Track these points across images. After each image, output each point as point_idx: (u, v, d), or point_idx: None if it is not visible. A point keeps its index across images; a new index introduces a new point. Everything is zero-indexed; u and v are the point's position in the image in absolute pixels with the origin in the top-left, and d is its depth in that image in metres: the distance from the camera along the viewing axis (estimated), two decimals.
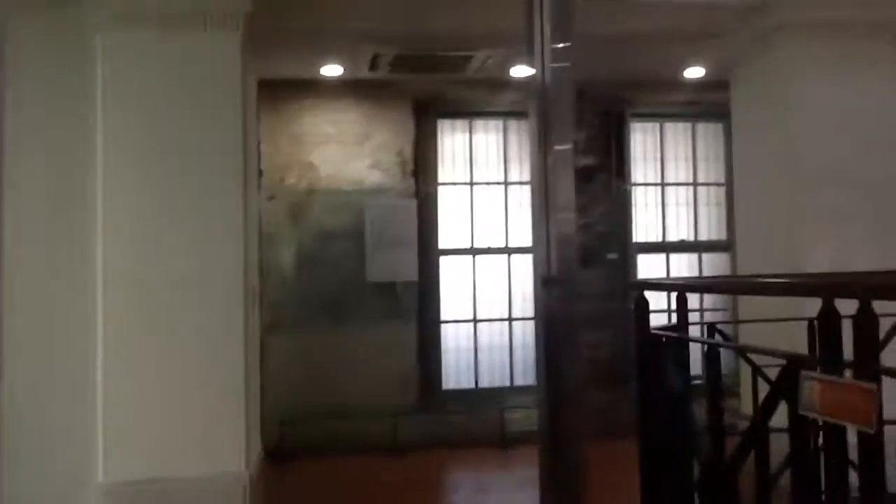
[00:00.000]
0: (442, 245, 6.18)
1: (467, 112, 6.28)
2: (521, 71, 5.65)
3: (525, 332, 6.15)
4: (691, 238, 6.52)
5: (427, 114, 6.19)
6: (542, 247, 2.75)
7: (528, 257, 5.89)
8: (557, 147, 2.69)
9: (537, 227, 2.81)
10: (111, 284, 3.68)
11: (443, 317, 6.16)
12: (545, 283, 2.70)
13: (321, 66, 5.58)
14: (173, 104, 3.74)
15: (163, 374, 3.69)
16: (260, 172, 5.52)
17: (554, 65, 2.67)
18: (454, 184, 6.26)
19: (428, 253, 6.08)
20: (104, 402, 3.67)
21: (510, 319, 6.29)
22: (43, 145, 3.74)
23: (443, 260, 6.19)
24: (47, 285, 3.71)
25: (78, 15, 3.71)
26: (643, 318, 2.42)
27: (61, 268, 3.73)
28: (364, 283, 5.92)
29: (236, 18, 3.78)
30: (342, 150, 6.04)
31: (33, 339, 3.68)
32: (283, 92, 5.82)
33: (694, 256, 6.47)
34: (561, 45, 2.70)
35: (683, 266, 6.44)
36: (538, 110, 2.76)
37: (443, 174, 6.23)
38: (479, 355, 6.26)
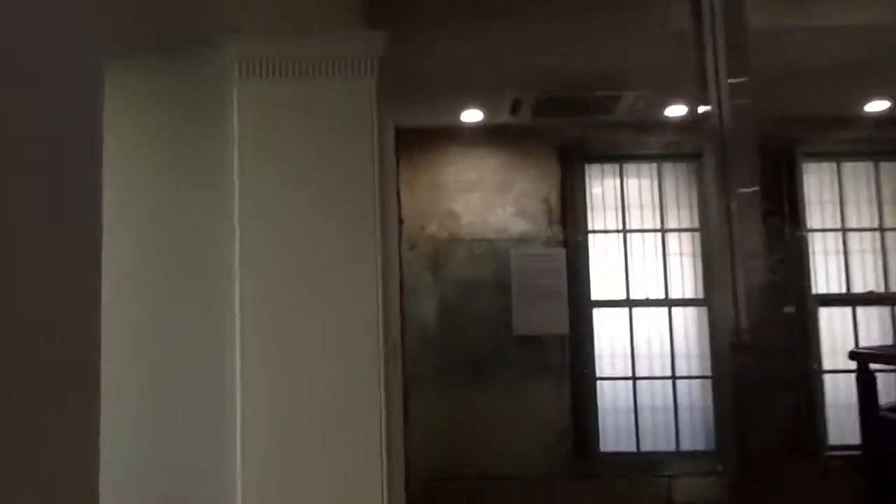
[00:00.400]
0: (594, 296, 5.77)
1: (616, 156, 5.90)
2: (676, 111, 5.29)
3: (691, 392, 5.63)
4: (880, 289, 5.78)
5: (572, 158, 5.87)
6: (728, 300, 2.56)
7: (691, 310, 5.62)
8: (741, 190, 2.52)
9: (721, 279, 2.65)
10: (248, 337, 3.54)
11: (598, 373, 5.72)
12: (734, 342, 2.53)
13: (461, 113, 5.38)
14: (308, 154, 3.60)
15: (300, 430, 3.50)
16: (401, 221, 5.38)
17: (732, 101, 2.49)
18: (605, 231, 5.86)
19: (579, 305, 5.68)
20: (242, 457, 3.52)
21: (674, 377, 5.74)
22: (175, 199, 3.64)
23: (596, 312, 5.77)
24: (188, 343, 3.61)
25: (196, 64, 3.60)
26: (870, 398, 1.99)
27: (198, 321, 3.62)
28: (510, 336, 5.59)
29: (371, 64, 3.66)
30: (484, 197, 5.82)
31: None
32: (422, 139, 5.65)
33: (885, 310, 5.73)
34: (738, 80, 2.56)
35: (873, 321, 5.71)
36: (716, 151, 2.61)
37: (592, 221, 5.85)
38: (640, 416, 5.73)
